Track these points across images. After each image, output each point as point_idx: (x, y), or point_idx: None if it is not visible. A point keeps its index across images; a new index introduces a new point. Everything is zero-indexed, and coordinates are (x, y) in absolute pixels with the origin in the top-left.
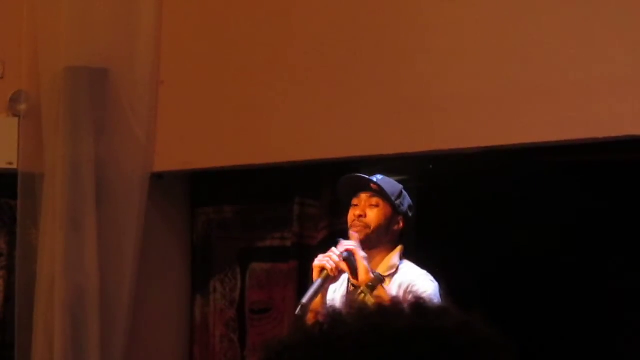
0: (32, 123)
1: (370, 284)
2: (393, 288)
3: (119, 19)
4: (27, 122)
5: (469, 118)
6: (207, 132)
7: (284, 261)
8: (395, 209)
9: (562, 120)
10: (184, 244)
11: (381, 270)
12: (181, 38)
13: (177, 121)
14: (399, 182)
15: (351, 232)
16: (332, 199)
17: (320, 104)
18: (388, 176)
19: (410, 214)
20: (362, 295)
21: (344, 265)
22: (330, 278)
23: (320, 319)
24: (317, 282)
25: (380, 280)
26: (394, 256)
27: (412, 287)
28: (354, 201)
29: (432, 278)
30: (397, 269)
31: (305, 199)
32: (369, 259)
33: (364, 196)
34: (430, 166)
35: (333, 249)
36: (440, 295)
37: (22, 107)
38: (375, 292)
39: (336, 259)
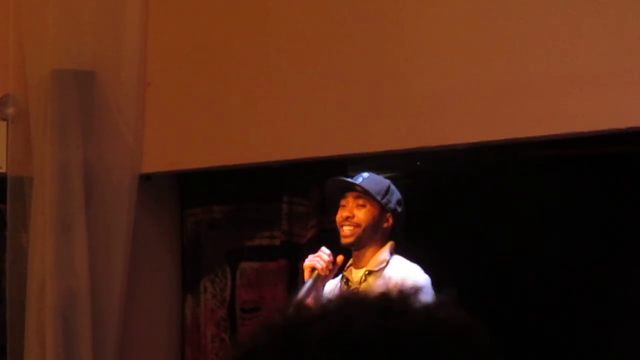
0: (20, 127)
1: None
2: (383, 282)
3: (105, 22)
4: (15, 125)
5: (455, 115)
6: (195, 133)
7: (273, 260)
8: (382, 207)
9: (548, 116)
10: (174, 245)
11: (371, 265)
12: (167, 40)
13: (164, 122)
14: (387, 179)
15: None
16: (321, 198)
17: (308, 103)
18: (375, 174)
19: (399, 210)
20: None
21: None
22: (322, 278)
23: (286, 317)
24: (308, 283)
25: None
26: (384, 251)
27: (404, 282)
28: (342, 202)
29: (423, 272)
30: (387, 263)
31: (294, 197)
32: (360, 259)
33: (350, 197)
34: (418, 163)
35: (323, 248)
36: (433, 289)
37: (10, 110)
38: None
39: (327, 258)
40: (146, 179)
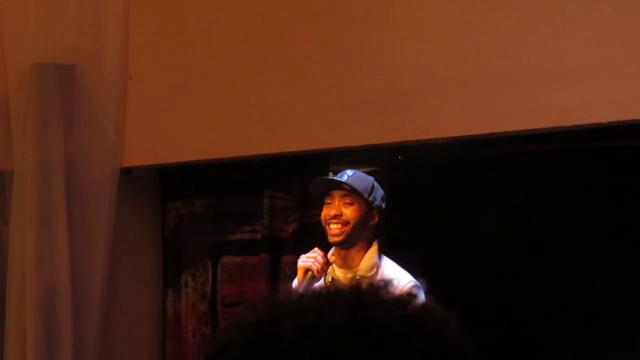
0: (1, 120)
1: None
2: None
3: (86, 15)
4: None
5: (437, 109)
6: (176, 127)
7: (255, 254)
8: (369, 205)
9: (532, 110)
10: (155, 239)
11: (362, 271)
12: (149, 33)
13: (146, 116)
14: (369, 173)
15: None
16: (302, 192)
17: (289, 97)
18: (358, 168)
19: (383, 206)
20: None
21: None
22: (316, 279)
23: (258, 312)
24: (303, 285)
25: None
26: (374, 255)
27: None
28: (327, 199)
29: (412, 278)
30: (379, 267)
31: (276, 191)
32: (348, 258)
33: (337, 195)
34: (400, 157)
35: (316, 249)
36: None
37: None
38: None
39: (321, 259)
40: (127, 173)
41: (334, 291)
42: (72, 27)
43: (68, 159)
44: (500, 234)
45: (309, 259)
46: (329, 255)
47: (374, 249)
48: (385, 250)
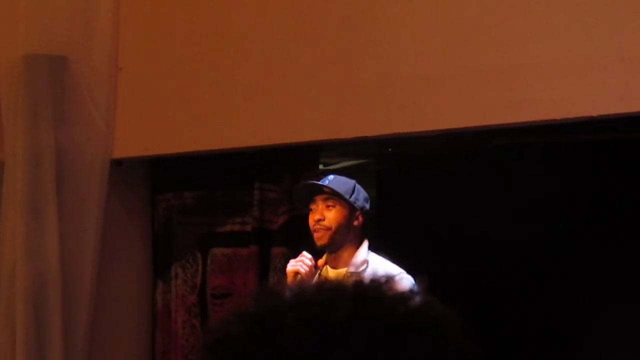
0: None
1: None
2: None
3: (77, 6)
4: None
5: (426, 102)
6: (167, 118)
7: (244, 246)
8: (351, 206)
9: (520, 103)
10: (145, 230)
11: (352, 267)
12: (139, 24)
13: (136, 107)
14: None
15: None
16: (292, 184)
17: (279, 89)
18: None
19: (367, 207)
20: None
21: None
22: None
23: (260, 304)
24: None
25: None
26: (362, 251)
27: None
28: (312, 206)
29: (401, 270)
30: (367, 263)
31: (265, 183)
32: (337, 259)
33: (319, 199)
34: (389, 149)
35: (304, 253)
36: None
37: None
38: None
39: (309, 263)
40: (118, 164)
41: (336, 285)
42: (63, 18)
43: (58, 150)
44: (489, 226)
45: (297, 263)
46: (322, 258)
47: (364, 247)
48: (374, 243)
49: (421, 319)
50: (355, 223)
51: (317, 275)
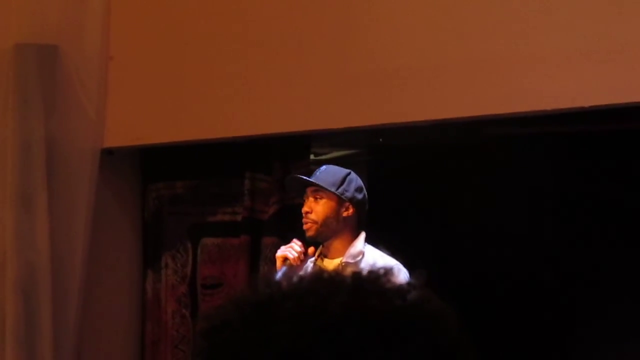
0: None
1: None
2: None
3: None
4: None
5: (417, 92)
6: (158, 108)
7: (235, 236)
8: (339, 198)
9: (512, 93)
10: (135, 220)
11: (347, 257)
12: (130, 13)
13: (127, 97)
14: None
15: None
16: (283, 174)
17: (270, 78)
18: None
19: (359, 197)
20: None
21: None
22: (293, 267)
23: (257, 292)
24: (281, 271)
25: None
26: (359, 243)
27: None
28: (304, 196)
29: (396, 262)
30: (363, 255)
31: (256, 173)
32: (330, 249)
33: (309, 191)
34: (380, 140)
35: (295, 239)
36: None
37: None
38: None
39: (298, 249)
40: (108, 154)
41: (334, 276)
42: (54, 7)
43: (49, 140)
44: (480, 217)
45: (287, 249)
46: (313, 247)
47: (361, 239)
48: (368, 235)
49: (418, 313)
50: (345, 214)
51: (311, 264)
